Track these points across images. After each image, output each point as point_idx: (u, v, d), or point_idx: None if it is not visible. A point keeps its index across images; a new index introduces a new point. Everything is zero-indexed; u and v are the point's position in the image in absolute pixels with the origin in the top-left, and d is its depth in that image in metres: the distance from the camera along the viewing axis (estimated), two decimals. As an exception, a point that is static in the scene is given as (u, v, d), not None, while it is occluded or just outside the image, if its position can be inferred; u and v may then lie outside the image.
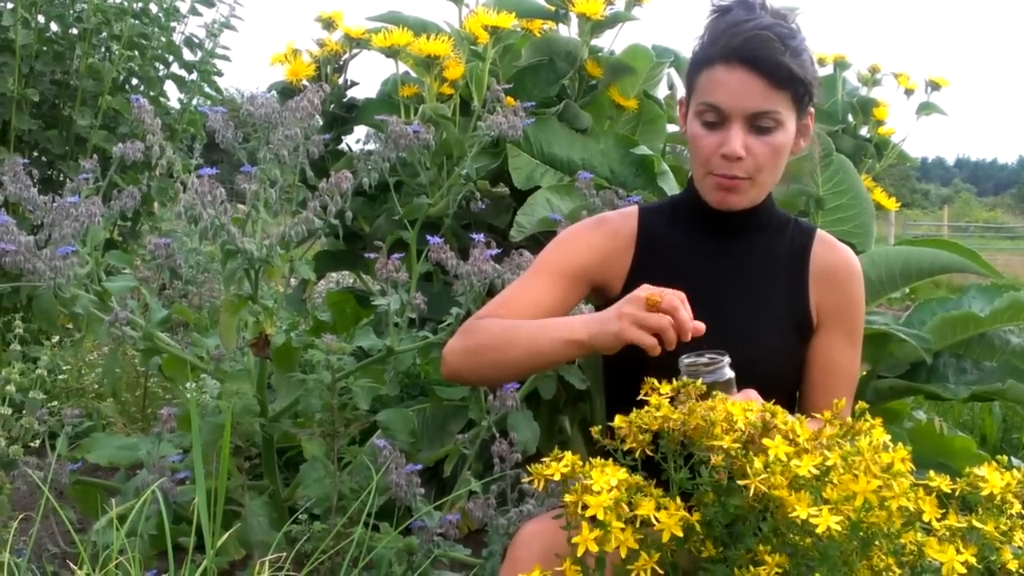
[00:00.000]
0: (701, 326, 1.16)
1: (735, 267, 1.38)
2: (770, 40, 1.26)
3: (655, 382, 1.11)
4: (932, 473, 0.98)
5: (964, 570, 0.90)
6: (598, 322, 1.21)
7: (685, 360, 1.17)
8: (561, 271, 1.38)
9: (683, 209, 1.42)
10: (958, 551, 0.91)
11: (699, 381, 1.11)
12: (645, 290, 1.17)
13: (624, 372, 1.40)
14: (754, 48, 1.26)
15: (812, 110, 1.36)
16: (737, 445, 1.00)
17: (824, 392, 1.37)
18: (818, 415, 1.12)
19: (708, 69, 1.29)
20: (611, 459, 1.05)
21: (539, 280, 1.38)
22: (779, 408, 1.06)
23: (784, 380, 1.38)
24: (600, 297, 1.43)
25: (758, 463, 0.97)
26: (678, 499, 1.01)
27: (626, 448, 1.07)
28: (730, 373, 1.17)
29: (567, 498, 0.99)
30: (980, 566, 0.93)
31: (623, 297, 1.37)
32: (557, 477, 1.02)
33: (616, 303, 1.21)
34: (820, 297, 1.38)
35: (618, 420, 1.09)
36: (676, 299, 1.15)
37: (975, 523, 0.94)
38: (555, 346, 1.24)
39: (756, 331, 1.35)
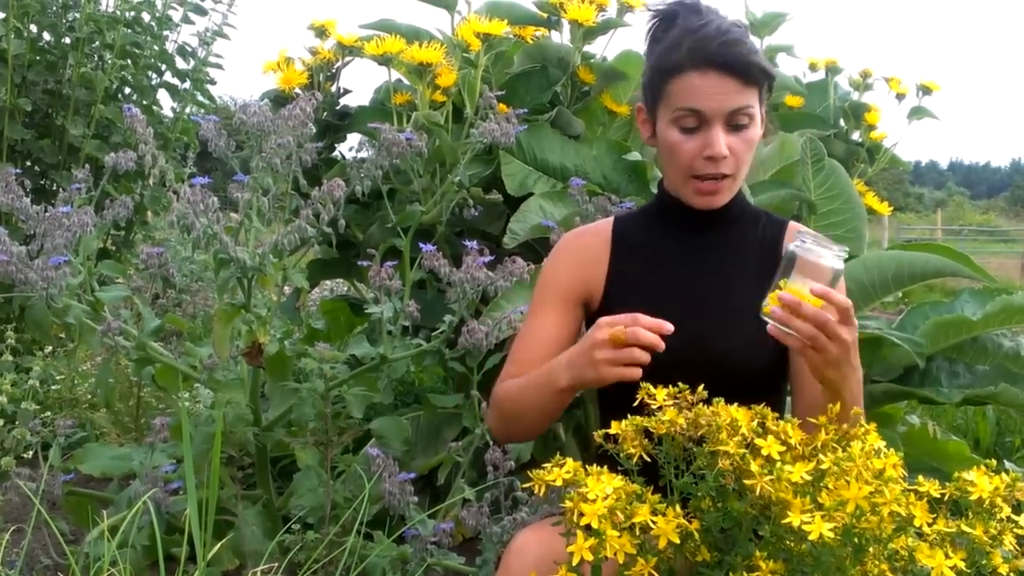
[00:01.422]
0: (668, 326, 1.17)
1: (710, 262, 1.41)
2: (737, 41, 1.31)
3: (651, 387, 1.12)
4: (921, 478, 0.98)
5: (953, 575, 0.90)
6: (575, 368, 1.24)
7: (799, 243, 1.18)
8: (553, 303, 1.43)
9: (654, 212, 1.47)
10: (947, 555, 0.91)
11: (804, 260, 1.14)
12: (605, 330, 1.19)
13: None
14: (725, 53, 1.30)
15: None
16: (742, 450, 1.00)
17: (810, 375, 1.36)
18: (814, 411, 1.15)
19: (680, 76, 1.32)
20: (608, 465, 1.06)
21: (537, 320, 1.43)
22: (768, 411, 1.07)
23: (765, 370, 1.38)
24: (586, 311, 1.45)
25: (755, 465, 0.98)
26: (677, 506, 1.01)
27: (626, 453, 1.07)
28: (841, 264, 1.18)
29: (567, 504, 0.99)
30: (971, 571, 0.93)
31: (604, 304, 1.40)
32: (559, 483, 1.02)
33: (583, 346, 1.23)
34: None
35: (615, 426, 1.09)
36: (636, 328, 1.17)
37: (964, 528, 0.94)
38: (553, 398, 1.31)
39: (734, 323, 1.37)
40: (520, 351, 1.42)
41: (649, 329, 1.17)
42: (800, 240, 1.19)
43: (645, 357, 1.17)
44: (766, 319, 1.17)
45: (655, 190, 2.41)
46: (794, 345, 1.18)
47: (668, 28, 1.36)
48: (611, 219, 1.49)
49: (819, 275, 1.16)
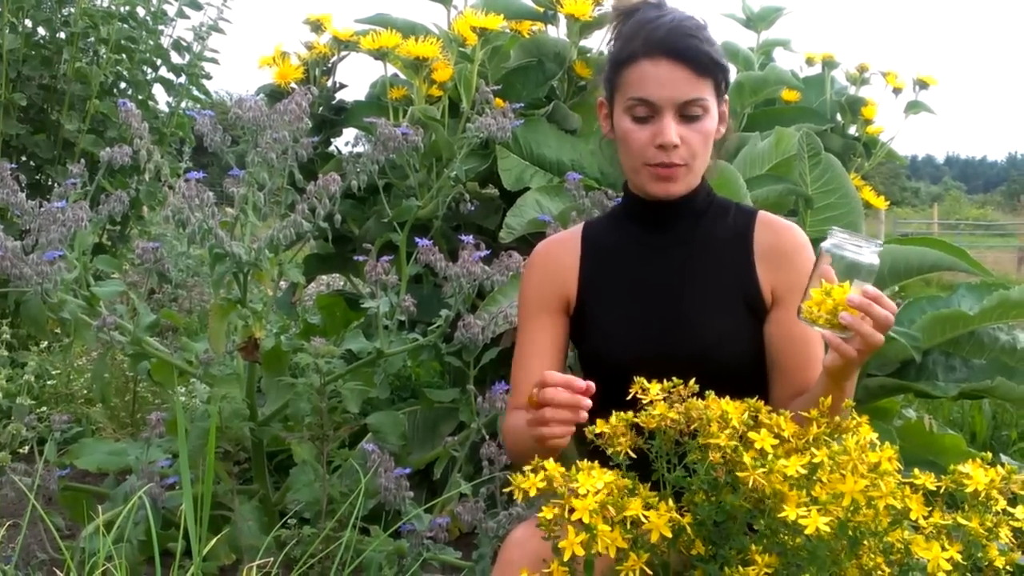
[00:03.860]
0: (578, 383, 1.13)
1: (681, 256, 1.40)
2: (689, 31, 1.32)
3: (644, 381, 1.12)
4: (917, 471, 0.98)
5: (949, 567, 0.90)
6: (528, 432, 1.19)
7: (833, 241, 1.15)
8: (535, 316, 1.43)
9: (621, 212, 1.47)
10: (943, 548, 0.91)
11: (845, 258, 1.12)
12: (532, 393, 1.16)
13: (603, 373, 1.41)
14: (675, 40, 1.31)
15: (727, 97, 1.40)
16: (733, 443, 1.00)
17: (799, 363, 1.35)
18: (793, 387, 1.20)
19: (632, 65, 1.33)
20: (600, 460, 1.06)
21: (527, 337, 1.44)
22: (761, 404, 1.07)
23: (748, 359, 1.37)
24: (568, 316, 1.45)
25: (747, 457, 0.98)
26: (670, 500, 1.01)
27: (615, 449, 1.07)
28: (877, 260, 1.15)
29: (545, 513, 0.98)
30: (967, 563, 0.93)
31: (579, 308, 1.42)
32: (533, 492, 1.01)
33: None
34: (770, 276, 1.38)
35: (599, 424, 1.09)
36: (550, 389, 1.13)
37: (960, 520, 0.95)
38: (535, 446, 1.21)
39: (709, 317, 1.36)
40: (519, 376, 1.42)
41: (560, 385, 1.12)
42: (834, 237, 1.16)
43: (557, 417, 1.12)
44: (805, 321, 1.14)
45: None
46: (846, 348, 1.13)
47: (628, 23, 1.37)
48: (580, 225, 1.50)
49: (858, 274, 1.13)
